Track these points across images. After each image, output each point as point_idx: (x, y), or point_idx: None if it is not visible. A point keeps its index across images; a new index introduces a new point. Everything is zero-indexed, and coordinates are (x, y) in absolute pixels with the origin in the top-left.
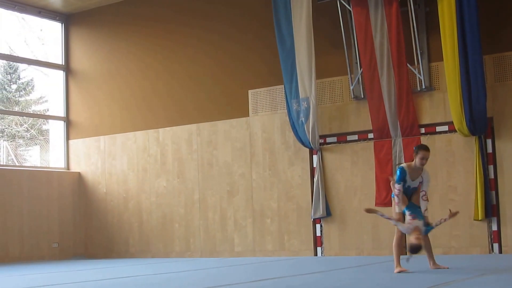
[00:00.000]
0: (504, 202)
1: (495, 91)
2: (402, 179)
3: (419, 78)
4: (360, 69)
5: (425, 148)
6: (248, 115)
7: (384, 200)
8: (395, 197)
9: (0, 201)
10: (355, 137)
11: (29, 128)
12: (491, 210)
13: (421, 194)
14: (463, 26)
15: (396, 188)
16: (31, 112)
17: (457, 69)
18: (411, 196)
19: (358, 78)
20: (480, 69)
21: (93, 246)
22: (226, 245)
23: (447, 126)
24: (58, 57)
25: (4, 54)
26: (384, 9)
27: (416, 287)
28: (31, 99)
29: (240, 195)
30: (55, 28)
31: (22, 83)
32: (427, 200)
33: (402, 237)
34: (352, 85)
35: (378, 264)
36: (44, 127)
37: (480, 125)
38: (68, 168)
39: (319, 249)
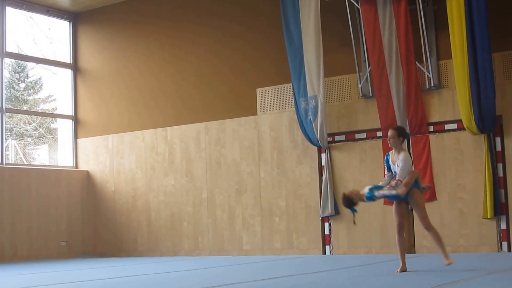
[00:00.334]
0: None
1: (504, 89)
2: (386, 163)
3: (427, 76)
4: (369, 67)
5: (391, 128)
6: (256, 114)
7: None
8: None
9: (9, 199)
10: (364, 135)
11: (37, 127)
12: (500, 208)
13: (393, 183)
14: (472, 24)
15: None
16: (40, 110)
17: (466, 67)
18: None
19: (367, 76)
20: (489, 67)
21: (102, 244)
22: (235, 244)
23: (456, 124)
24: (66, 56)
25: (12, 52)
26: (392, 7)
27: (422, 286)
28: (39, 98)
29: (248, 193)
30: (63, 27)
31: (31, 82)
32: (395, 189)
33: (402, 233)
34: (360, 83)
35: (386, 262)
36: (53, 126)
37: (489, 123)
38: (76, 166)
39: (327, 247)
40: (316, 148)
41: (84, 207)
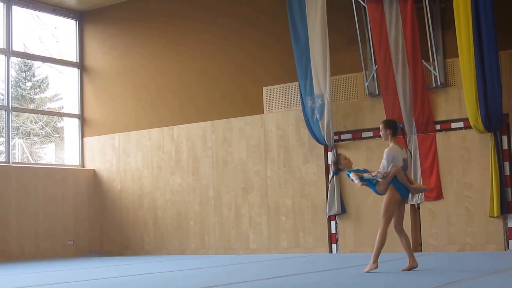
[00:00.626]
0: None
1: (511, 87)
2: None
3: (434, 74)
4: (375, 66)
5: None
6: (262, 112)
7: None
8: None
9: (16, 198)
10: (370, 133)
11: (44, 126)
12: (507, 206)
13: (374, 172)
14: (479, 22)
15: None
16: (46, 109)
17: (473, 65)
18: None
19: (373, 74)
20: (496, 65)
21: (108, 243)
22: (241, 242)
23: (462, 123)
24: (72, 55)
25: (18, 51)
26: (399, 5)
27: (428, 285)
28: (46, 97)
29: (255, 192)
30: (70, 26)
31: (37, 81)
32: (374, 175)
33: (387, 232)
34: (367, 81)
35: (393, 261)
36: (59, 125)
37: (495, 122)
38: (83, 165)
39: (334, 246)
40: (322, 146)
41: (90, 205)
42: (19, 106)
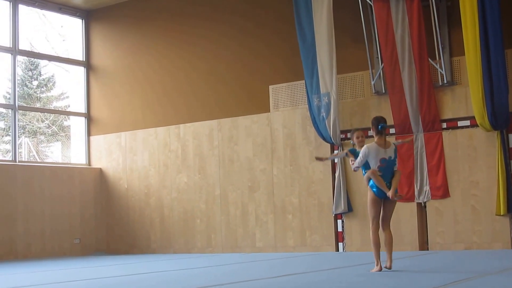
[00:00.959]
0: None
1: None
2: None
3: (440, 72)
4: (381, 64)
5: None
6: (269, 111)
7: (406, 195)
8: None
9: (22, 197)
10: None
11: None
12: None
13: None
14: (485, 20)
15: None
16: (52, 108)
17: (479, 64)
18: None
19: (379, 73)
20: (502, 63)
21: (115, 242)
22: (248, 241)
23: (468, 121)
24: (78, 53)
25: (25, 50)
26: (405, 3)
27: (434, 283)
28: (52, 96)
29: (261, 190)
30: (76, 24)
31: (43, 80)
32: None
33: (377, 231)
34: (373, 80)
35: (398, 260)
36: (66, 123)
37: (502, 120)
38: (89, 164)
39: (340, 244)
40: (329, 145)
41: (97, 204)
42: (26, 105)
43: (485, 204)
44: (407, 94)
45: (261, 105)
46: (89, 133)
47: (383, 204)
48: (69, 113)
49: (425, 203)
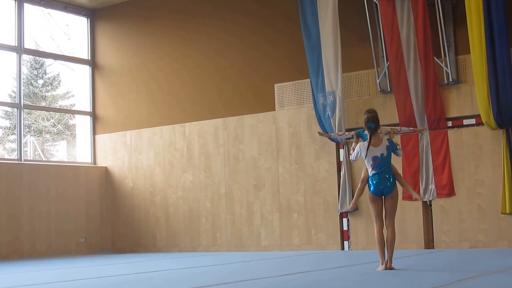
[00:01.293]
0: None
1: None
2: None
3: (446, 71)
4: (387, 62)
5: None
6: (274, 109)
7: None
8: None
9: (28, 196)
10: None
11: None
12: None
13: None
14: (490, 18)
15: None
16: (58, 107)
17: (484, 62)
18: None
19: (385, 71)
20: (508, 61)
21: (120, 240)
22: (253, 239)
23: (474, 119)
24: (84, 52)
25: (30, 49)
26: (410, 1)
27: (441, 282)
28: (57, 94)
29: (266, 189)
30: (81, 23)
31: (49, 78)
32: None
33: (381, 230)
34: (378, 78)
35: (404, 258)
36: (71, 122)
37: (507, 118)
38: (94, 163)
39: (346, 243)
40: (334, 143)
41: (102, 203)
42: (31, 104)
43: (490, 202)
44: (413, 93)
45: (267, 104)
46: (94, 132)
47: (384, 201)
48: (75, 112)
49: (430, 201)
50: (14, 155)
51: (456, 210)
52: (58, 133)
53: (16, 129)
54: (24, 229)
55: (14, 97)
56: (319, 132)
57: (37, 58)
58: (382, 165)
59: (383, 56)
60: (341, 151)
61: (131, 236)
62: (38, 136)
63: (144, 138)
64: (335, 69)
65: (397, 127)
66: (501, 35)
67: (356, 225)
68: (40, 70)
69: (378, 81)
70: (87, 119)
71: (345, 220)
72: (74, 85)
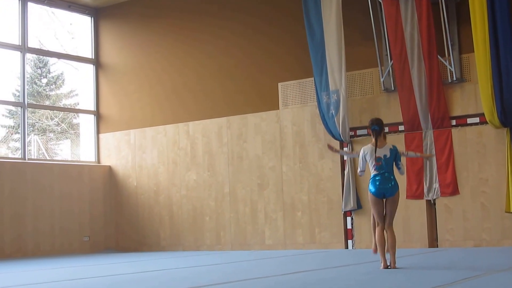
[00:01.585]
0: None
1: None
2: None
3: (449, 69)
4: (391, 61)
5: None
6: (278, 108)
7: (415, 192)
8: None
9: (31, 194)
10: (386, 129)
11: (59, 122)
12: None
13: None
14: (494, 17)
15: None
16: (62, 106)
17: (488, 61)
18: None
19: (389, 70)
20: (511, 60)
21: (124, 239)
22: (257, 238)
23: (478, 118)
24: (88, 51)
25: (34, 48)
26: (414, 0)
27: (445, 280)
28: (61, 93)
29: (270, 188)
30: (85, 22)
31: (52, 77)
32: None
33: (382, 232)
34: (382, 77)
35: (408, 257)
36: (75, 121)
37: (511, 117)
38: (98, 161)
39: (349, 241)
40: (338, 142)
41: (106, 202)
42: (35, 103)
43: (494, 201)
44: (416, 91)
45: (270, 103)
46: (98, 131)
47: (385, 203)
48: (78, 111)
49: (434, 200)
50: (18, 154)
51: (460, 209)
52: (62, 132)
53: (20, 128)
54: (28, 228)
55: (18, 96)
56: (328, 145)
57: (41, 57)
58: (384, 165)
59: (387, 55)
60: (345, 149)
61: (135, 235)
62: (42, 135)
63: (148, 137)
64: (339, 68)
65: (403, 151)
66: (505, 34)
67: (360, 224)
68: (44, 69)
69: (382, 80)
70: (91, 118)
71: (349, 218)
72: (78, 84)
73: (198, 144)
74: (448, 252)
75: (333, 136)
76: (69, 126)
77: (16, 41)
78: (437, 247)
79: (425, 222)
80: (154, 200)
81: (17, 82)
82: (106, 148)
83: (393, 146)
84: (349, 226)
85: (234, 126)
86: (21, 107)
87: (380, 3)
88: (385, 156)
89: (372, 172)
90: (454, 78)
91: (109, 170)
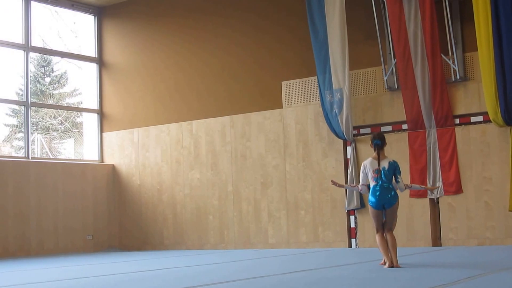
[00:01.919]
0: None
1: None
2: None
3: (453, 68)
4: (394, 60)
5: None
6: (281, 107)
7: (418, 191)
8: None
9: (35, 193)
10: (389, 128)
11: (63, 121)
12: None
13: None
14: (498, 16)
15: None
16: (65, 104)
17: (492, 59)
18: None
19: (392, 68)
20: None
21: (128, 238)
22: (260, 237)
23: (481, 117)
24: (91, 50)
25: (37, 47)
26: None
27: (449, 279)
28: (65, 92)
29: (274, 186)
30: (88, 21)
31: (56, 76)
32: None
33: (382, 236)
34: (385, 75)
35: (411, 256)
36: (78, 120)
37: None
38: (102, 160)
39: (353, 240)
40: (341, 141)
41: (109, 200)
42: (38, 102)
43: (498, 199)
44: (420, 90)
45: (274, 101)
46: (101, 130)
47: (385, 212)
48: (82, 110)
49: (438, 199)
50: (22, 153)
51: (464, 208)
52: (66, 131)
53: (23, 127)
54: (32, 227)
55: (22, 95)
56: (332, 181)
57: (44, 56)
58: (383, 177)
59: (390, 54)
60: (349, 148)
61: (138, 233)
62: (45, 134)
63: (151, 136)
64: (342, 67)
65: (408, 183)
66: (509, 32)
67: (364, 223)
68: (47, 68)
69: (385, 78)
70: (94, 117)
71: (352, 217)
72: (81, 83)
73: (201, 143)
74: (451, 251)
75: (337, 135)
76: (73, 125)
77: (20, 40)
78: (441, 245)
79: (429, 220)
80: (157, 198)
81: (20, 81)
82: (109, 147)
83: (393, 160)
84: (352, 225)
85: (238, 125)
86: (25, 106)
87: (383, 1)
88: (383, 168)
89: (372, 183)
90: (458, 77)
91: (113, 169)
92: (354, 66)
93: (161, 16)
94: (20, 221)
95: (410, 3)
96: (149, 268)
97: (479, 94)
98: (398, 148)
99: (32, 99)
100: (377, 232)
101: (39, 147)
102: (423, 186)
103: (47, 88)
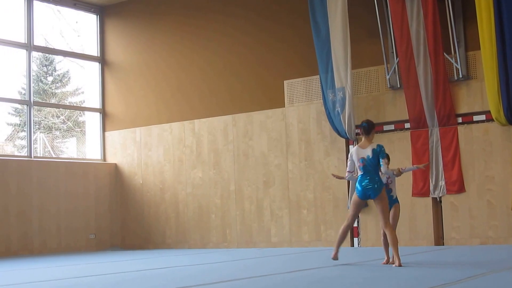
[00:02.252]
0: None
1: None
2: None
3: (456, 67)
4: (396, 59)
5: None
6: (283, 106)
7: (421, 190)
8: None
9: (38, 192)
10: (392, 127)
11: (65, 120)
12: None
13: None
14: (500, 14)
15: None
16: (67, 104)
17: (495, 58)
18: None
19: (394, 67)
20: None
21: (130, 237)
22: (263, 236)
23: (484, 115)
24: (93, 49)
25: (40, 46)
26: None
27: (451, 278)
28: (67, 91)
29: (276, 185)
30: (90, 20)
31: (58, 75)
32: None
33: (345, 227)
34: (388, 74)
35: (414, 255)
36: (81, 119)
37: None
38: (104, 159)
39: (355, 239)
40: (343, 140)
41: (112, 199)
42: (41, 101)
43: (500, 198)
44: (422, 89)
45: (276, 100)
46: (104, 129)
47: (375, 204)
48: (84, 109)
49: (440, 198)
50: (24, 152)
51: (466, 207)
52: (68, 130)
53: (26, 126)
54: (34, 226)
55: (24, 94)
56: (333, 174)
57: (47, 55)
58: (368, 166)
59: (392, 52)
60: (351, 147)
61: (141, 232)
62: (47, 133)
63: (153, 135)
64: (345, 66)
65: (401, 167)
66: (511, 31)
67: (366, 222)
68: (49, 67)
69: (387, 77)
70: (97, 116)
71: None
72: (84, 82)
73: (203, 142)
74: (454, 250)
75: (339, 134)
76: (75, 124)
77: (22, 39)
78: (443, 245)
79: (431, 219)
80: (159, 197)
81: (23, 80)
82: (111, 146)
83: (377, 145)
84: (355, 224)
85: (240, 123)
86: (27, 105)
87: (386, 0)
88: (367, 156)
89: (359, 172)
90: (460, 76)
91: (115, 168)
92: (356, 65)
93: (163, 15)
94: (23, 220)
95: (413, 1)
96: (151, 267)
97: (482, 93)
98: (400, 147)
99: (34, 98)
100: (347, 220)
101: (42, 146)
102: (415, 166)
103: (49, 87)
